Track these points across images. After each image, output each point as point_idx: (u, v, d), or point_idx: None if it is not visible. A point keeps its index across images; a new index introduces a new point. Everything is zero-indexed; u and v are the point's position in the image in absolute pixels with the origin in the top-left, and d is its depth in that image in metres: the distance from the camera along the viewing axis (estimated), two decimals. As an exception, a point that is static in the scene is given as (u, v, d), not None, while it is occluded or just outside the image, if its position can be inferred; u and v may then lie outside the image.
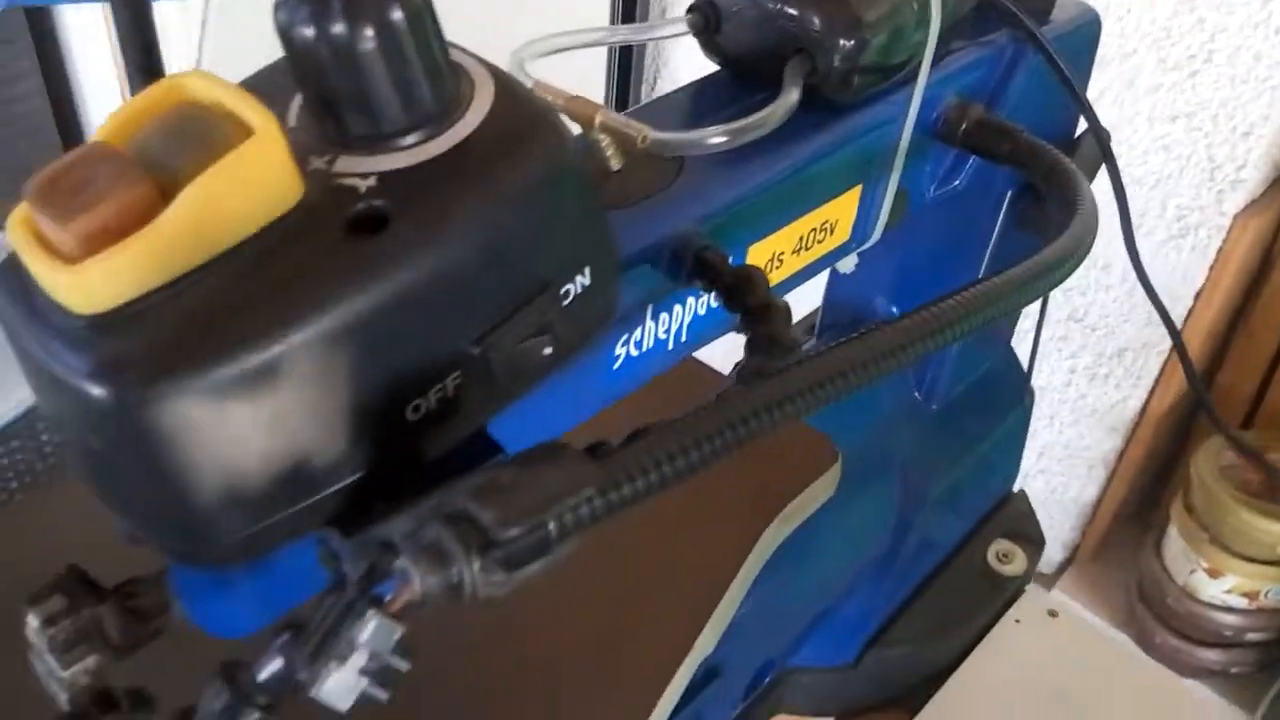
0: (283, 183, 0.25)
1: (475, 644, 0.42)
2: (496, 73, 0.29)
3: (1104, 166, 0.53)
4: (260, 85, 0.27)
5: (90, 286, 0.23)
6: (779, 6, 0.40)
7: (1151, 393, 1.38)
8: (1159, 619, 1.44)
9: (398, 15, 0.25)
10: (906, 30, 0.42)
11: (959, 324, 0.31)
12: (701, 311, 0.40)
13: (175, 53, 1.11)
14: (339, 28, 0.25)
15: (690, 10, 0.43)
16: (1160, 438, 1.43)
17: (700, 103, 0.43)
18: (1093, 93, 0.51)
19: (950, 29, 0.44)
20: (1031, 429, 0.73)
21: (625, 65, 1.49)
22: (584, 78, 1.43)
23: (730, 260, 0.36)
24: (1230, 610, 1.39)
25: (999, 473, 0.71)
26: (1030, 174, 0.45)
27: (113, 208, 0.23)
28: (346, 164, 0.26)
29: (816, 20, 0.39)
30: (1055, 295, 0.68)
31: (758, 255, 0.41)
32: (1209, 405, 0.57)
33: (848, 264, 0.49)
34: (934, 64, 0.44)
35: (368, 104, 0.26)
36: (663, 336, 0.39)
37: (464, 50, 0.29)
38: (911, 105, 0.44)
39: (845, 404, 0.59)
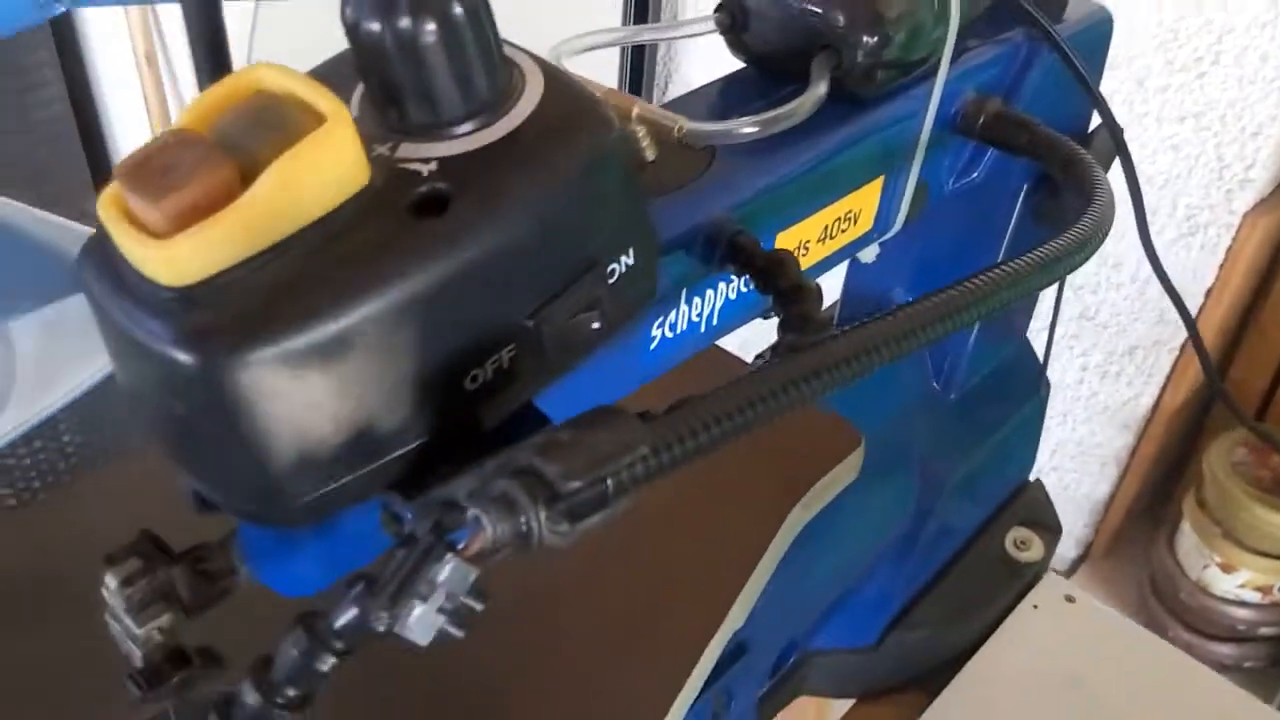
0: (352, 166, 0.26)
1: (511, 614, 0.43)
2: (545, 65, 0.30)
3: (1117, 160, 0.54)
4: (324, 77, 0.29)
5: (179, 261, 0.25)
6: (805, 4, 0.42)
7: (1163, 390, 1.40)
8: (1172, 614, 1.45)
9: (458, 10, 0.27)
10: (926, 27, 0.43)
11: (985, 301, 0.33)
12: (732, 296, 0.41)
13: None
14: (404, 22, 0.27)
15: (718, 9, 0.44)
16: (1172, 434, 1.45)
17: (728, 97, 0.45)
18: (1103, 92, 0.53)
19: (968, 26, 0.46)
20: (1044, 426, 0.74)
21: (637, 69, 1.51)
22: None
23: (761, 246, 0.38)
24: (1244, 605, 1.40)
25: (1016, 461, 0.72)
26: (1047, 165, 0.47)
27: (199, 188, 0.25)
28: (408, 150, 0.28)
29: (841, 17, 0.41)
30: (1066, 294, 0.69)
31: (785, 242, 0.43)
32: (1225, 393, 0.59)
33: (869, 254, 0.51)
34: (953, 60, 0.46)
35: (429, 93, 0.28)
36: (695, 319, 0.41)
37: (513, 45, 0.31)
38: (932, 99, 0.46)
39: (865, 392, 0.61)
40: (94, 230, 0.27)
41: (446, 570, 0.23)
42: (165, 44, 1.18)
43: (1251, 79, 1.16)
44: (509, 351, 0.29)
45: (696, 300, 0.40)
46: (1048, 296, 0.70)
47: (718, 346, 0.47)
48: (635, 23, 1.34)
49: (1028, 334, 0.71)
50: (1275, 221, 1.29)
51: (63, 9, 0.37)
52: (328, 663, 0.25)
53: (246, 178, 0.25)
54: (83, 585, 0.35)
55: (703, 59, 1.52)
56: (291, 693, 0.26)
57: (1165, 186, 1.27)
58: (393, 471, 0.28)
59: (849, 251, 0.47)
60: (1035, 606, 0.70)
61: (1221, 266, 1.30)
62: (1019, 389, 0.70)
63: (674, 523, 0.49)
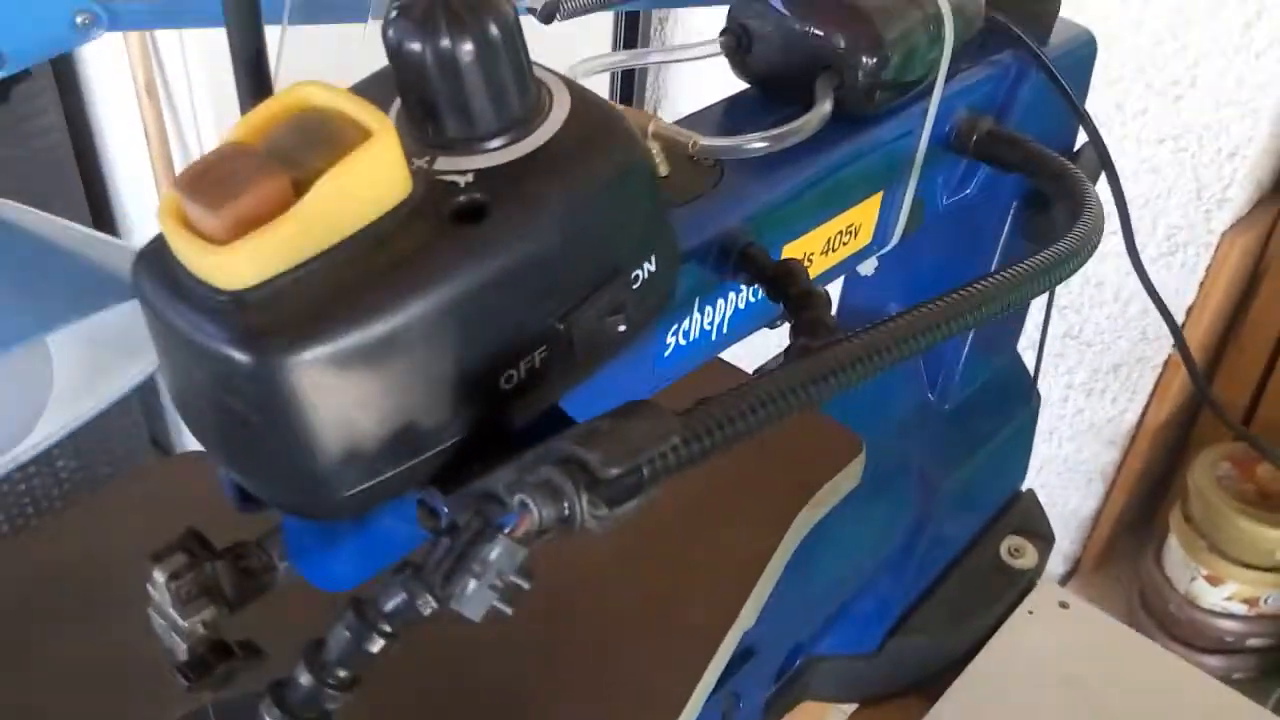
0: (396, 178, 0.28)
1: (530, 613, 0.45)
2: (571, 83, 0.32)
3: (1103, 174, 0.57)
4: (362, 93, 0.31)
5: (236, 266, 0.26)
6: (807, 28, 0.44)
7: (1147, 406, 1.42)
8: (1161, 627, 1.47)
9: (494, 31, 0.29)
10: (922, 48, 0.46)
11: (989, 304, 0.35)
12: (741, 306, 0.43)
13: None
14: (444, 42, 0.28)
15: (724, 32, 0.46)
16: (1157, 450, 1.47)
17: (734, 117, 0.47)
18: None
19: (961, 49, 0.48)
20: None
21: (627, 95, 1.54)
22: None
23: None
24: (1231, 617, 1.42)
25: (1009, 471, 0.74)
26: (1038, 180, 0.49)
27: (255, 197, 0.26)
28: (445, 163, 0.30)
29: (842, 39, 0.43)
30: (1050, 312, 0.72)
31: (791, 254, 0.44)
32: (1212, 400, 0.61)
33: (868, 267, 0.53)
34: (946, 81, 0.48)
35: (466, 109, 0.29)
36: (707, 328, 0.42)
37: (540, 65, 0.33)
38: (927, 118, 0.48)
39: (863, 403, 0.63)
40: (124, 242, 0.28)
41: (497, 550, 0.25)
42: (165, 75, 1.20)
43: (1227, 102, 1.20)
44: (541, 353, 0.30)
45: (708, 309, 0.42)
46: (1035, 313, 0.72)
47: (720, 359, 0.48)
48: (625, 48, 1.37)
49: (1018, 351, 0.74)
50: (1253, 240, 1.32)
51: (101, 33, 0.39)
52: (377, 644, 0.27)
53: (298, 188, 0.27)
54: (109, 594, 0.36)
55: (692, 81, 1.55)
56: (342, 673, 0.27)
57: (1145, 207, 1.30)
58: (431, 468, 0.30)
59: (850, 264, 0.49)
60: (1030, 612, 0.71)
61: (1201, 285, 1.33)
62: (1011, 401, 0.72)
63: (685, 526, 0.50)
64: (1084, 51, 0.58)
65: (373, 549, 0.32)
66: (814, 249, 0.46)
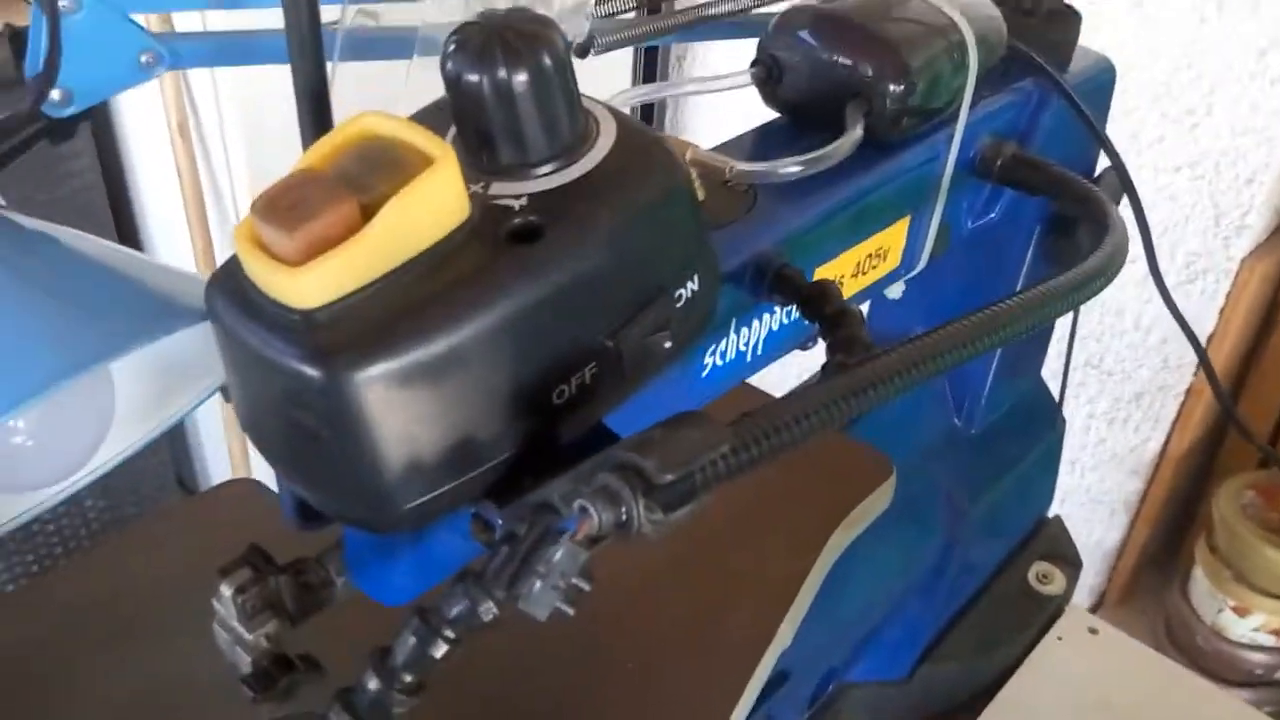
0: (457, 202, 0.30)
1: (573, 630, 0.45)
2: (616, 112, 0.34)
3: (1124, 197, 0.58)
4: (419, 123, 0.32)
5: (308, 286, 0.27)
6: (835, 58, 0.45)
7: (1170, 434, 1.42)
8: (1189, 660, 1.45)
9: (547, 62, 0.30)
10: (947, 76, 0.47)
11: (1020, 320, 0.36)
12: (775, 327, 0.44)
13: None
14: (500, 73, 0.30)
15: (754, 64, 0.48)
16: (1180, 479, 1.47)
17: (765, 145, 0.48)
18: (1103, 140, 0.57)
19: (983, 76, 0.49)
20: (1055, 469, 0.77)
21: (645, 120, 1.57)
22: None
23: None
24: (1260, 649, 1.41)
25: (1035, 495, 0.75)
26: (1062, 202, 0.50)
27: (326, 220, 0.28)
28: (500, 188, 0.31)
29: (870, 68, 0.45)
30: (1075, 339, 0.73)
31: (822, 277, 0.46)
32: (1238, 420, 0.61)
33: (896, 290, 0.54)
34: (971, 107, 0.49)
35: (519, 136, 0.31)
36: (743, 348, 0.43)
37: (585, 95, 0.34)
38: (953, 143, 0.49)
39: (891, 426, 0.64)
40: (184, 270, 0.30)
41: (560, 553, 0.26)
42: (199, 116, 1.23)
43: (1243, 129, 1.21)
44: (591, 369, 0.32)
45: (744, 330, 0.43)
46: (1057, 341, 0.73)
47: (747, 384, 0.50)
48: (645, 81, 1.39)
49: (1041, 376, 0.74)
50: (1273, 266, 1.33)
51: (163, 71, 0.40)
52: (441, 649, 0.28)
53: (365, 212, 0.28)
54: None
55: (709, 114, 1.57)
56: (408, 678, 0.28)
57: (1164, 235, 1.31)
58: (486, 481, 0.31)
59: (878, 287, 0.51)
60: (1060, 638, 0.72)
61: (1222, 312, 1.33)
62: (1037, 425, 0.72)
63: (721, 547, 0.51)
64: (1103, 78, 0.60)
65: (428, 563, 0.34)
66: (844, 272, 0.47)
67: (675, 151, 0.34)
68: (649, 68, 1.41)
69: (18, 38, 0.37)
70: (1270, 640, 1.40)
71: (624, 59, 1.41)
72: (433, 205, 0.29)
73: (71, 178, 1.34)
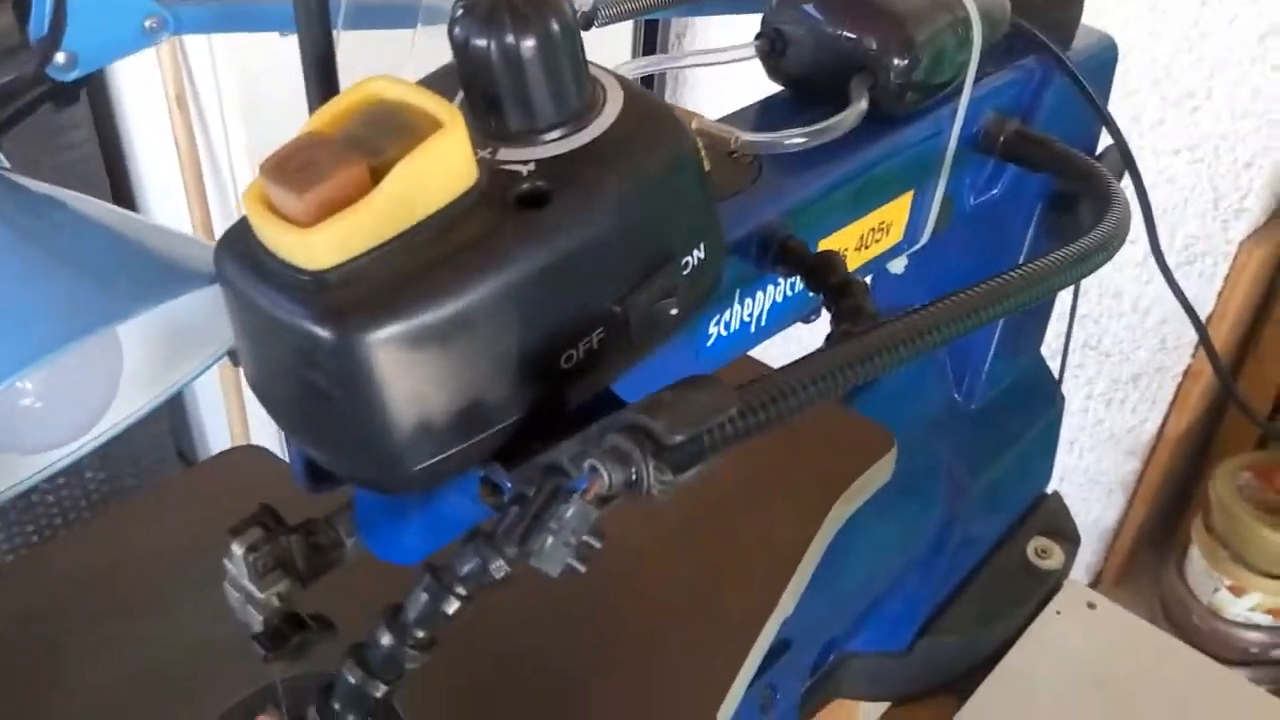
0: (465, 166, 0.30)
1: (576, 602, 0.46)
2: (623, 80, 0.34)
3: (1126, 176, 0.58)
4: (427, 88, 0.32)
5: (318, 247, 0.28)
6: (840, 31, 0.45)
7: (1167, 416, 1.42)
8: (1185, 638, 1.46)
9: (555, 28, 0.30)
10: (951, 51, 0.47)
11: (1025, 290, 0.36)
12: (780, 298, 0.45)
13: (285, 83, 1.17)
14: (509, 39, 0.30)
15: (758, 36, 0.48)
16: (1178, 460, 1.47)
17: (769, 117, 0.48)
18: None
19: (987, 53, 0.49)
20: (1051, 453, 0.77)
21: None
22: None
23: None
24: (1256, 628, 1.42)
25: (1035, 472, 0.75)
26: (1065, 178, 0.50)
27: (336, 182, 0.28)
28: (507, 154, 0.31)
29: (875, 41, 0.45)
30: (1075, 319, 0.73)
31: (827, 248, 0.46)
32: (1238, 397, 0.61)
33: (898, 265, 0.54)
34: (974, 83, 0.49)
35: (527, 102, 0.31)
36: (747, 319, 0.44)
37: (593, 63, 0.34)
38: (956, 118, 0.49)
39: (892, 401, 0.64)
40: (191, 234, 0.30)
41: (571, 509, 0.26)
42: (196, 86, 1.22)
43: (1243, 112, 1.21)
44: (599, 334, 0.32)
45: (749, 301, 0.43)
46: (1056, 321, 0.73)
47: (750, 356, 0.50)
48: (645, 54, 1.39)
49: (1041, 354, 0.75)
50: (1271, 250, 1.33)
51: (167, 36, 0.40)
52: (453, 606, 0.28)
53: (374, 174, 0.28)
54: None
55: (709, 91, 1.57)
56: (420, 634, 0.29)
57: (1162, 217, 1.31)
58: (495, 444, 0.31)
59: (881, 261, 0.51)
60: (1058, 612, 0.72)
61: (1220, 294, 1.33)
62: (1037, 402, 0.73)
63: (723, 516, 0.52)
64: (1106, 56, 0.60)
65: (437, 524, 0.34)
66: (848, 245, 0.47)
67: (682, 120, 0.34)
68: (649, 43, 1.40)
69: (22, 2, 0.37)
70: (1266, 619, 1.41)
71: (624, 36, 1.41)
72: (441, 169, 0.29)
73: (70, 149, 1.33)
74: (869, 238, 0.49)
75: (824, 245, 0.46)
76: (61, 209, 0.38)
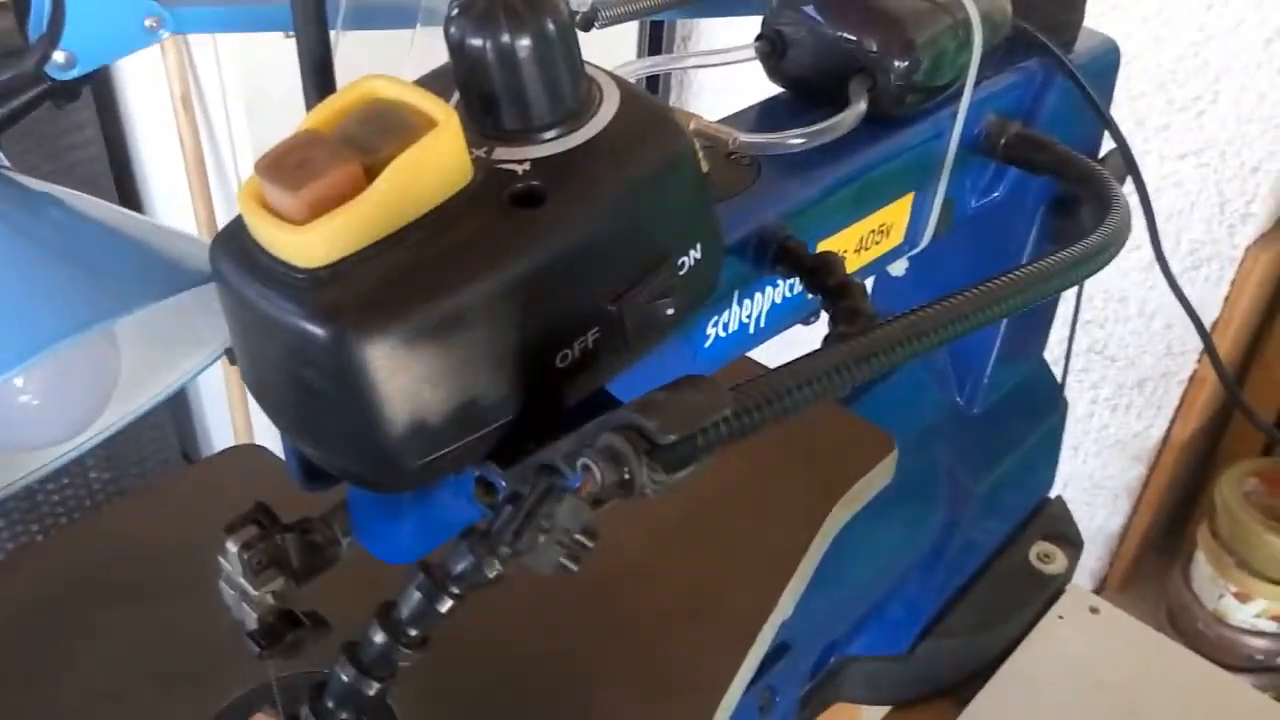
0: (459, 164, 0.30)
1: (576, 601, 0.46)
2: (620, 80, 0.34)
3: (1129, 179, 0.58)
4: (423, 87, 0.32)
5: (312, 245, 0.28)
6: (840, 33, 0.45)
7: (1173, 421, 1.42)
8: (1190, 645, 1.45)
9: (550, 28, 0.30)
10: (951, 53, 0.47)
11: (1022, 293, 0.36)
12: (779, 300, 0.45)
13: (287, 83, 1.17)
14: (504, 38, 0.30)
15: (759, 38, 0.48)
16: (1183, 466, 1.47)
17: (768, 119, 0.48)
18: (1105, 128, 0.57)
19: (988, 55, 0.49)
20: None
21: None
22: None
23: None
24: (1261, 634, 1.41)
25: (1037, 476, 0.75)
26: (1066, 181, 0.50)
27: (330, 180, 0.28)
28: (503, 153, 0.31)
29: (875, 43, 0.45)
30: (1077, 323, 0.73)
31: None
32: (1243, 403, 0.61)
33: (899, 267, 0.54)
34: (975, 85, 0.49)
35: (523, 101, 0.31)
36: (745, 320, 0.44)
37: (590, 63, 0.34)
38: (957, 121, 0.49)
39: (893, 405, 0.64)
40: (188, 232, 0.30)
41: (564, 508, 0.26)
42: (201, 87, 1.23)
43: (1249, 117, 1.21)
44: (594, 334, 0.32)
45: (747, 302, 0.43)
46: (1060, 326, 0.73)
47: (748, 357, 0.50)
48: (650, 55, 1.39)
49: (1044, 358, 0.74)
50: (1277, 255, 1.33)
51: (166, 35, 0.41)
52: (446, 605, 0.28)
53: (370, 172, 0.28)
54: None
55: (713, 93, 1.57)
56: (414, 633, 0.29)
57: (1168, 222, 1.31)
58: (490, 443, 0.31)
59: (882, 263, 0.51)
60: (1061, 617, 0.72)
61: (1226, 299, 1.33)
62: (1039, 406, 0.73)
63: (723, 518, 0.52)
64: (1108, 59, 0.60)
65: (432, 523, 0.34)
66: (847, 247, 0.47)
67: (679, 120, 0.34)
68: (654, 45, 1.40)
69: (22, 1, 0.37)
70: (1271, 626, 1.41)
71: (629, 37, 1.41)
72: (436, 167, 0.29)
73: (75, 149, 1.34)
74: (869, 240, 0.49)
75: (823, 247, 0.46)
76: (59, 206, 0.38)
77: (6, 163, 0.39)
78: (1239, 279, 1.31)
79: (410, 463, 0.30)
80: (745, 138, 0.40)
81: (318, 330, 0.27)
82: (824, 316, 0.41)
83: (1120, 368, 1.42)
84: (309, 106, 0.35)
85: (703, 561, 0.51)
